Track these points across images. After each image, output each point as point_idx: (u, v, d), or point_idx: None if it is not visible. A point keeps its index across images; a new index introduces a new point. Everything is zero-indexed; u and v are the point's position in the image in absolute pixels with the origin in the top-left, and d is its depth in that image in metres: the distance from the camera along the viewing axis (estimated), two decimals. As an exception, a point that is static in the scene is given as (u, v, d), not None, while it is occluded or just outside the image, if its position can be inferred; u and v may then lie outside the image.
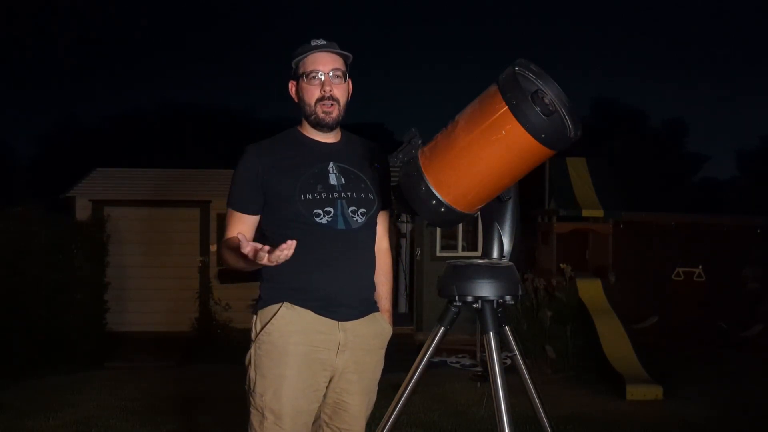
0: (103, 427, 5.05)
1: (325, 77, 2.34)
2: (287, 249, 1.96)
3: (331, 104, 2.35)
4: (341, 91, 2.37)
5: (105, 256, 9.94)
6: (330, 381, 2.36)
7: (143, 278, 10.30)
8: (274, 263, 2.00)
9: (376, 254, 2.49)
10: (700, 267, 10.20)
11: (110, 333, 9.72)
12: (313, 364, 2.30)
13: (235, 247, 2.13)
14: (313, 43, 2.37)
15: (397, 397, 2.23)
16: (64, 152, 26.31)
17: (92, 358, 8.57)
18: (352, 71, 2.43)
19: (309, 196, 2.30)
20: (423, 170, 1.97)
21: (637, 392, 6.18)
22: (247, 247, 2.01)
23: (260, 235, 2.38)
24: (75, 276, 9.02)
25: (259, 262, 2.02)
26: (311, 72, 2.34)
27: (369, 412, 2.47)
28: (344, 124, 2.46)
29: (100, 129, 28.31)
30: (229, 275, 9.47)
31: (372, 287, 2.46)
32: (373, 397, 2.47)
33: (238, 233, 2.07)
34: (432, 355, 2.22)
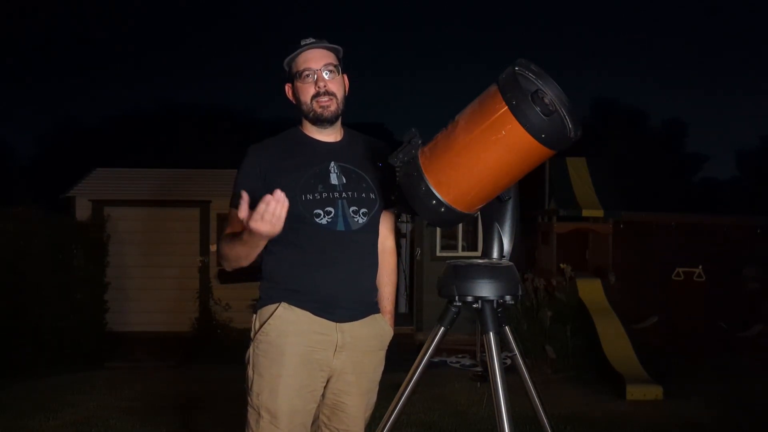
0: (103, 427, 5.05)
1: (318, 74, 2.33)
2: (280, 201, 1.93)
3: (328, 98, 2.33)
4: (336, 85, 2.36)
5: (105, 256, 9.94)
6: (328, 382, 2.35)
7: (143, 278, 10.30)
8: (275, 223, 1.96)
9: (380, 254, 2.47)
10: (700, 267, 10.18)
11: (110, 333, 9.72)
12: (310, 364, 2.29)
13: (235, 234, 2.13)
14: (303, 42, 2.37)
15: (397, 397, 2.23)
16: (64, 152, 26.28)
17: (92, 358, 8.57)
18: (352, 70, 2.42)
19: (309, 196, 2.29)
20: (423, 170, 1.97)
21: (637, 392, 6.18)
22: (243, 212, 1.95)
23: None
24: (75, 276, 9.03)
25: (252, 225, 1.95)
26: (304, 71, 2.34)
27: (369, 413, 2.46)
28: (344, 123, 2.45)
29: (100, 129, 28.28)
30: (229, 275, 9.44)
31: (373, 288, 2.45)
32: (373, 398, 2.46)
33: (241, 192, 2.00)
34: (432, 355, 2.21)
